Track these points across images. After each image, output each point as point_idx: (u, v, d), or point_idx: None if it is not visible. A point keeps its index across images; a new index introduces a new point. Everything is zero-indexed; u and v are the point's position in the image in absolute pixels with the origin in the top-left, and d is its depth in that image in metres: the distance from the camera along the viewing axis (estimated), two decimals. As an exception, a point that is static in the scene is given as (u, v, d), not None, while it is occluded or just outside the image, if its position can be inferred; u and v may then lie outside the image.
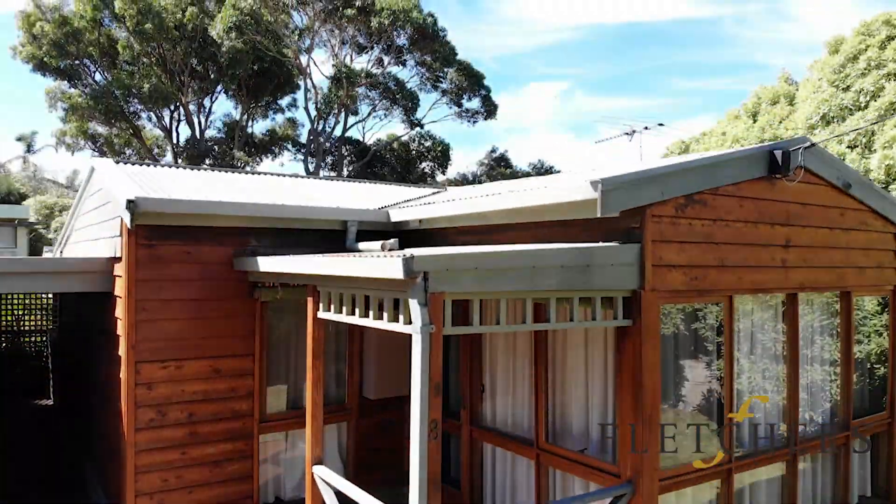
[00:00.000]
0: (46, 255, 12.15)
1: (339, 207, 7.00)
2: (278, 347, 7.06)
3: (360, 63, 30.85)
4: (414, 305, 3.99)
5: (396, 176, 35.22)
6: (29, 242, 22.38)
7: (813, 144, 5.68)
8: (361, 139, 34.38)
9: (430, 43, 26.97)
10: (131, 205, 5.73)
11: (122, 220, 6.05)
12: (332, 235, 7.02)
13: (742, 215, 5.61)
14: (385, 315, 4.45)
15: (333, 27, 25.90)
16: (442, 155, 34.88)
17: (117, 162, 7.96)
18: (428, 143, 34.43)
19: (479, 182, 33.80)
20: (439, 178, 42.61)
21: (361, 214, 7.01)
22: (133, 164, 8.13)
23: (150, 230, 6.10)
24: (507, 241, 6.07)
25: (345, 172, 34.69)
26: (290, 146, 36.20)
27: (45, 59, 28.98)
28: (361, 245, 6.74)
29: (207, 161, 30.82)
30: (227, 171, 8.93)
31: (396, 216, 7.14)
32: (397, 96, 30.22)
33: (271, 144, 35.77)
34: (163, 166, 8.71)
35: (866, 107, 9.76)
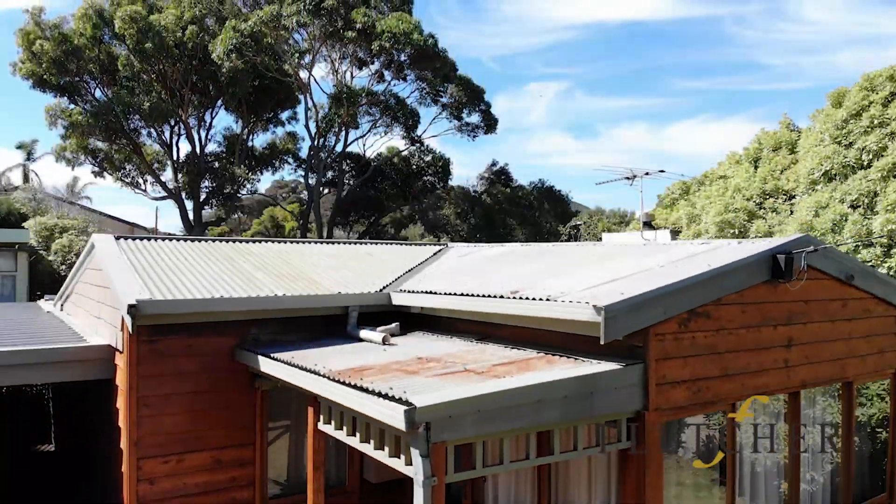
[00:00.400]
0: (47, 303, 12.10)
1: (340, 293, 6.98)
2: (279, 432, 7.05)
3: (361, 77, 30.88)
4: (416, 456, 3.97)
5: (397, 190, 35.19)
6: (29, 266, 22.31)
7: (816, 249, 5.66)
8: (362, 153, 34.32)
9: (430, 62, 26.90)
10: (133, 309, 5.71)
11: (122, 318, 6.03)
12: (334, 319, 7.00)
13: (745, 321, 5.59)
14: (386, 449, 4.43)
15: (334, 45, 25.82)
16: (442, 170, 34.86)
17: (118, 238, 7.93)
18: (428, 158, 34.39)
19: (481, 198, 33.48)
20: (440, 193, 42.63)
21: (362, 299, 6.99)
22: (135, 240, 8.09)
23: (152, 328, 6.09)
24: (507, 335, 6.06)
25: (345, 188, 34.63)
26: (290, 159, 36.16)
27: (44, 76, 28.95)
28: (363, 333, 6.73)
29: (206, 182, 30.77)
30: (230, 242, 8.90)
31: (398, 300, 7.12)
32: (398, 114, 30.18)
33: (272, 158, 35.71)
34: (165, 239, 8.68)
35: (869, 165, 9.73)
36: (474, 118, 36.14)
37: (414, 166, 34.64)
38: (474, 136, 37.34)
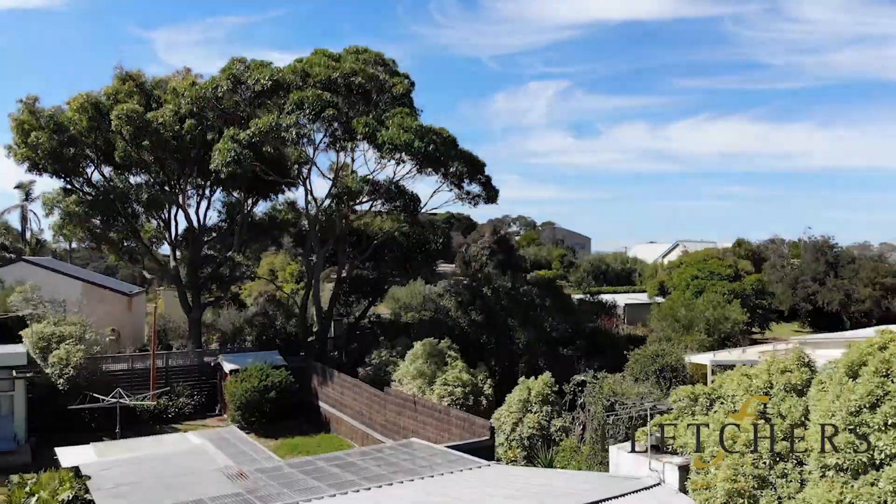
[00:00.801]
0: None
1: None
2: None
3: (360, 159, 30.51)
4: None
5: (398, 265, 34.95)
6: (26, 389, 22.18)
7: None
8: (363, 229, 34.00)
9: (434, 163, 26.58)
10: None
11: None
12: None
13: None
14: None
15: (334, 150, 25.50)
16: (444, 246, 34.67)
17: None
18: (429, 233, 34.16)
19: (483, 267, 33.20)
20: (442, 267, 42.38)
21: None
22: None
23: None
24: None
25: (346, 265, 34.35)
26: (291, 229, 35.84)
27: (40, 164, 28.62)
28: None
29: (206, 270, 30.47)
30: None
31: None
32: (397, 201, 29.83)
33: (272, 229, 35.41)
34: None
35: (881, 465, 9.52)
36: (475, 188, 36.01)
37: (415, 241, 34.37)
38: (475, 204, 37.15)
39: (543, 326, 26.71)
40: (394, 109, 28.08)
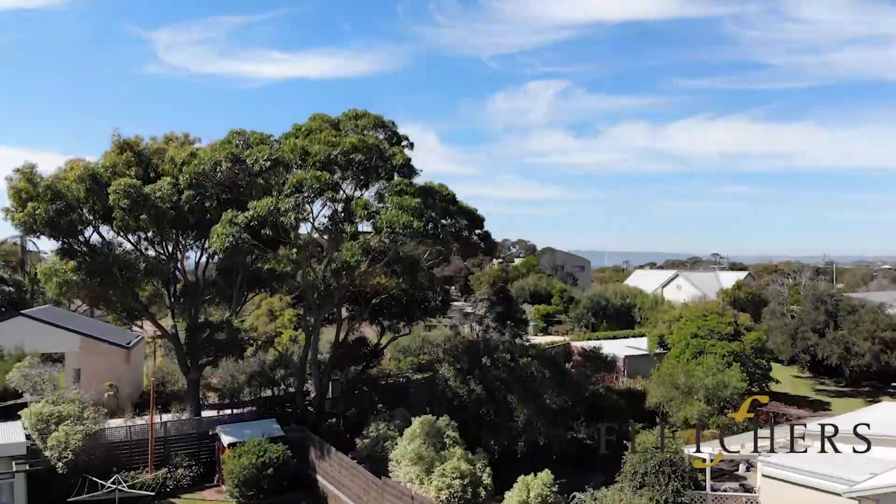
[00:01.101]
0: None
1: None
2: None
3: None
4: None
5: (398, 317, 34.87)
6: (26, 480, 22.12)
7: None
8: (362, 288, 33.89)
9: (432, 239, 26.49)
10: None
11: None
12: None
13: None
14: None
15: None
16: (442, 303, 34.62)
17: None
18: (429, 290, 34.09)
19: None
20: (441, 324, 42.33)
21: None
22: None
23: None
24: None
25: (344, 312, 34.28)
26: (291, 280, 35.72)
27: (37, 230, 28.52)
28: None
29: (204, 332, 30.36)
30: None
31: None
32: (397, 265, 29.74)
33: (271, 280, 35.28)
34: None
35: None
36: (474, 238, 36.20)
37: (414, 297, 34.29)
38: (475, 255, 37.17)
39: (543, 398, 26.62)
40: (394, 181, 28.07)
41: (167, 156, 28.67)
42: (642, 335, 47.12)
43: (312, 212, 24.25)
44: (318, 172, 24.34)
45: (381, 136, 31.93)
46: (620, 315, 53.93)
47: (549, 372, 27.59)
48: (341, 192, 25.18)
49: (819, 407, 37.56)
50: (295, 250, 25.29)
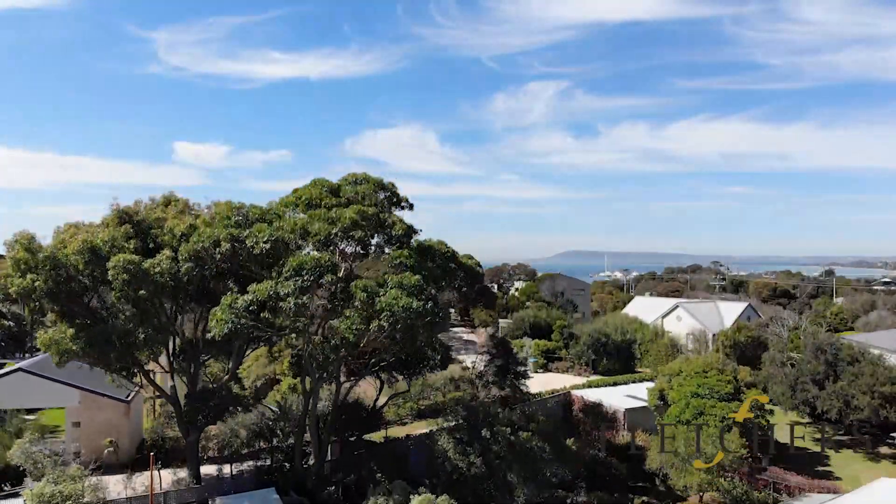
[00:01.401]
0: None
1: None
2: None
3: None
4: None
5: (397, 371, 34.86)
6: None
7: None
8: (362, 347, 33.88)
9: (429, 319, 26.50)
10: None
11: None
12: None
13: None
14: None
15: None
16: (442, 360, 34.59)
17: None
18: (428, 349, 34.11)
19: (483, 376, 33.05)
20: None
21: None
22: None
23: None
24: None
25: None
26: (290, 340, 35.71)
27: (37, 301, 28.52)
28: None
29: (203, 394, 30.30)
30: None
31: None
32: (396, 335, 29.68)
33: (272, 336, 35.22)
34: None
35: None
36: (473, 294, 36.37)
37: (414, 356, 34.28)
38: (475, 307, 37.16)
39: (544, 472, 26.60)
40: (392, 254, 28.08)
41: (166, 226, 28.64)
42: (642, 380, 47.09)
43: (310, 304, 24.15)
44: (318, 254, 24.32)
45: (381, 197, 32.12)
46: (621, 350, 53.87)
47: (549, 446, 27.54)
48: (341, 270, 25.07)
49: (817, 462, 37.51)
50: (294, 335, 25.22)
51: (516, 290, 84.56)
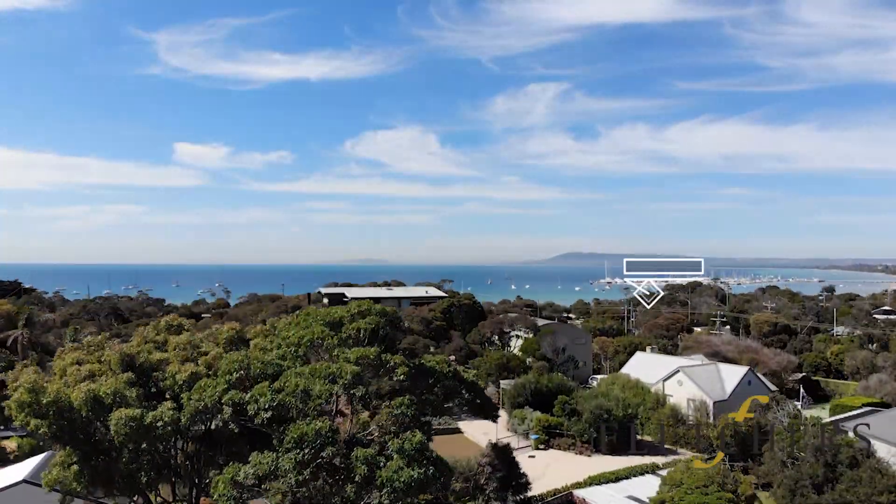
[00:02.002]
0: None
1: None
2: None
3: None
4: None
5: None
6: None
7: None
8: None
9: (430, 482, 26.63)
10: None
11: None
12: None
13: None
14: None
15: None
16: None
17: None
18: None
19: (483, 488, 33.27)
20: None
21: None
22: None
23: None
24: None
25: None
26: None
27: (42, 443, 28.75)
28: None
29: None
30: None
31: None
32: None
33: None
34: None
35: None
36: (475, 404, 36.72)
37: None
38: (475, 416, 37.52)
39: None
40: (395, 401, 28.18)
41: (168, 371, 28.87)
42: (643, 472, 47.26)
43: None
44: (320, 424, 24.46)
45: (382, 321, 32.43)
46: (622, 426, 54.02)
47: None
48: (341, 439, 25.23)
49: (819, 571, 37.48)
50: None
51: (518, 345, 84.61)
